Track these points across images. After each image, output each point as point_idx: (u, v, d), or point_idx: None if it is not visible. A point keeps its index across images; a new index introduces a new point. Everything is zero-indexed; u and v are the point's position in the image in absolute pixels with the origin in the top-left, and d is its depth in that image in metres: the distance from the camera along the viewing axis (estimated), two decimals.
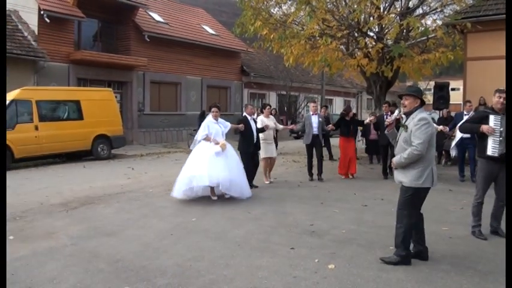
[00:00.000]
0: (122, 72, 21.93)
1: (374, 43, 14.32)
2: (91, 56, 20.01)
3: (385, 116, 11.63)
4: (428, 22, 15.47)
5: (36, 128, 14.48)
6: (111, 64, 20.98)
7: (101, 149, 16.57)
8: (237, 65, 28.74)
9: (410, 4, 15.07)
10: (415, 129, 5.13)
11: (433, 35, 13.91)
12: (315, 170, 11.58)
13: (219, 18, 31.46)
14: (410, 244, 5.34)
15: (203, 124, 9.18)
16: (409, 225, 5.26)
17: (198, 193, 8.91)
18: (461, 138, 11.27)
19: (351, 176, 11.97)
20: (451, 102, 15.37)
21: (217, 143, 8.89)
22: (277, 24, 14.71)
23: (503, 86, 6.79)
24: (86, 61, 19.90)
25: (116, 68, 21.43)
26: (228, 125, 9.56)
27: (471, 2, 15.77)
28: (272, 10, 15.70)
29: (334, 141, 14.69)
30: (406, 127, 5.26)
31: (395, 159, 5.32)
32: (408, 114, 5.35)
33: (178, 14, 27.45)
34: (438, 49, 13.87)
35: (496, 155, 6.11)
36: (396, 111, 5.65)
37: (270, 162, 11.29)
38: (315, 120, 11.48)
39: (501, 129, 6.09)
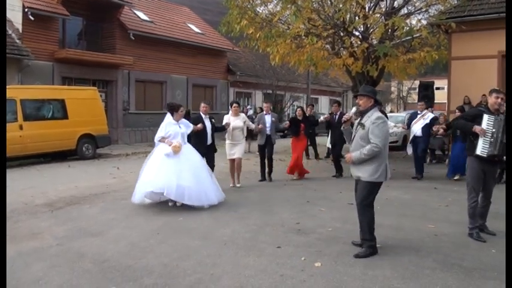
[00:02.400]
0: (107, 71, 21.78)
1: (359, 42, 14.40)
2: (76, 55, 19.84)
3: (335, 116, 11.96)
4: (413, 22, 15.58)
5: (21, 127, 14.34)
6: (96, 63, 20.82)
7: (86, 148, 16.45)
8: (222, 63, 28.69)
9: (396, 4, 15.17)
10: (374, 127, 5.41)
11: (418, 34, 14.04)
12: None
13: (204, 17, 31.35)
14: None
15: (161, 125, 8.44)
16: (370, 217, 5.57)
17: (148, 199, 8.20)
18: (414, 136, 11.59)
19: (295, 177, 11.67)
20: (435, 101, 15.52)
21: (170, 145, 8.11)
22: (263, 23, 14.71)
23: (487, 85, 6.84)
24: (71, 59, 19.71)
25: (101, 66, 21.27)
26: (190, 126, 8.85)
27: (456, 2, 15.92)
28: (258, 9, 15.70)
29: (323, 139, 14.74)
30: (363, 125, 5.51)
31: (354, 156, 5.53)
32: (364, 113, 5.59)
33: (164, 12, 27.32)
34: (423, 49, 14.00)
35: (485, 155, 6.08)
36: (354, 109, 5.78)
37: (236, 164, 10.52)
38: (268, 120, 11.15)
39: (493, 130, 6.05)
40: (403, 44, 15.58)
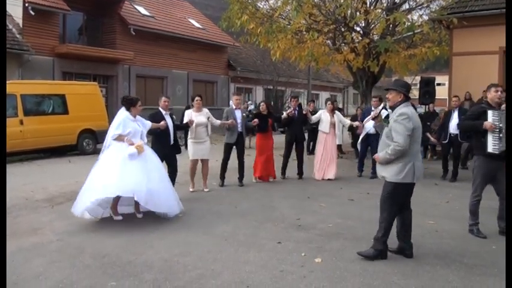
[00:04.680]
0: (108, 66, 21.77)
1: (360, 38, 14.39)
2: (76, 50, 19.84)
3: (294, 112, 11.01)
4: (415, 17, 15.58)
5: (21, 122, 14.31)
6: (97, 58, 20.81)
7: (86, 143, 16.41)
8: (223, 59, 28.68)
9: None
10: (395, 125, 5.09)
11: (419, 30, 14.00)
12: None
13: (205, 12, 31.31)
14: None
15: (116, 121, 7.27)
16: (390, 220, 5.24)
17: (103, 210, 7.08)
18: (367, 134, 11.28)
19: (272, 179, 10.71)
20: (436, 97, 15.48)
21: (131, 144, 7.04)
22: (264, 18, 14.69)
23: (488, 81, 6.79)
24: (71, 54, 19.72)
25: (102, 61, 21.26)
26: (148, 124, 7.80)
27: None
28: (259, 4, 15.69)
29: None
30: (388, 122, 5.21)
31: (380, 155, 5.22)
32: (392, 109, 5.33)
33: (164, 7, 27.29)
34: (424, 44, 13.97)
35: (497, 152, 5.93)
36: (382, 104, 5.42)
37: (203, 166, 9.52)
38: (238, 115, 9.98)
39: (500, 125, 5.93)
40: (404, 40, 15.56)
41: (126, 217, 7.17)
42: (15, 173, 11.76)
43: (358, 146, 12.05)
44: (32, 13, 18.30)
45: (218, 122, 9.86)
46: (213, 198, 8.68)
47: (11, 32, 18.06)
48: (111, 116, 20.43)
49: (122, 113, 7.33)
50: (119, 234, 6.29)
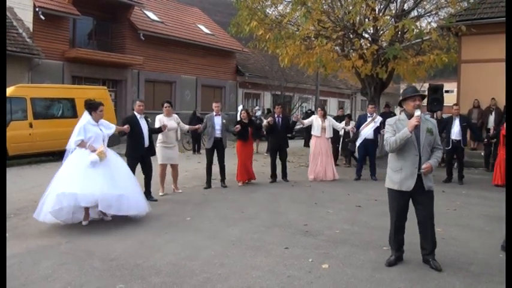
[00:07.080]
0: (117, 71, 21.89)
1: (369, 45, 14.38)
2: (86, 54, 19.96)
3: (278, 119, 11.35)
4: (423, 24, 15.58)
5: (31, 125, 14.40)
6: (106, 62, 20.93)
7: None
8: (232, 64, 28.77)
9: (406, 6, 15.15)
10: (437, 132, 5.14)
11: (427, 37, 14.01)
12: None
13: (214, 18, 31.44)
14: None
15: (78, 126, 7.18)
16: None
17: (70, 215, 6.83)
18: (365, 139, 11.62)
19: (241, 183, 10.92)
20: (444, 104, 15.44)
21: (93, 150, 7.02)
22: (273, 24, 14.73)
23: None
24: (81, 59, 19.83)
25: (111, 66, 21.38)
26: (113, 127, 7.80)
27: (466, 5, 15.88)
28: (268, 10, 15.74)
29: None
30: (431, 131, 5.06)
31: (434, 164, 5.04)
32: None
33: (174, 12, 27.44)
34: (433, 51, 13.95)
35: None
36: (418, 111, 5.05)
37: (173, 170, 9.85)
38: (217, 121, 10.31)
39: None
40: (413, 47, 15.56)
41: (134, 220, 7.22)
42: (24, 175, 11.84)
43: (353, 148, 12.45)
44: (42, 18, 18.44)
45: (186, 127, 10.41)
46: (220, 203, 8.70)
47: (21, 36, 18.21)
48: (119, 121, 20.62)
49: (85, 118, 7.30)
50: (127, 238, 6.33)
